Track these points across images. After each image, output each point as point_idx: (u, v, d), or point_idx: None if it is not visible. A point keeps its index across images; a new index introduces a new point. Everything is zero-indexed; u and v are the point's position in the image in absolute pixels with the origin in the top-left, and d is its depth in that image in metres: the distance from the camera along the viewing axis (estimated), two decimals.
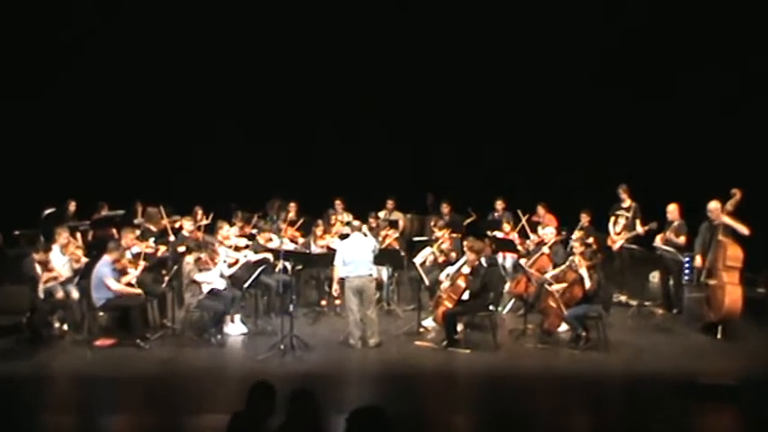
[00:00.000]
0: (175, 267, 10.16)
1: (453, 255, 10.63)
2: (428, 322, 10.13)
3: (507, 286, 11.24)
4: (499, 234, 11.88)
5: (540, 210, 12.63)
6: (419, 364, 8.92)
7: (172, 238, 11.38)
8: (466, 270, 9.43)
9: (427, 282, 10.05)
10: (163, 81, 14.77)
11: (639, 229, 11.31)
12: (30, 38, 14.11)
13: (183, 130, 15.04)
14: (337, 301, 10.92)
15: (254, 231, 11.87)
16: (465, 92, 15.02)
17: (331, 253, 10.79)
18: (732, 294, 9.45)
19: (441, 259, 10.69)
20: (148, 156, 14.72)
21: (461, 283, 9.41)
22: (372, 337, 9.39)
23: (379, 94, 15.00)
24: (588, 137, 14.30)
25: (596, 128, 14.27)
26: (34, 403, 7.71)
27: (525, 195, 12.86)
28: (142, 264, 9.83)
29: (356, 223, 10.09)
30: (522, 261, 10.59)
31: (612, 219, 11.77)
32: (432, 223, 12.03)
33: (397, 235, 12.10)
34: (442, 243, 10.95)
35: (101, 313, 9.59)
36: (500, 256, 11.88)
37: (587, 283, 9.08)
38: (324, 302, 11.22)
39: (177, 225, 11.71)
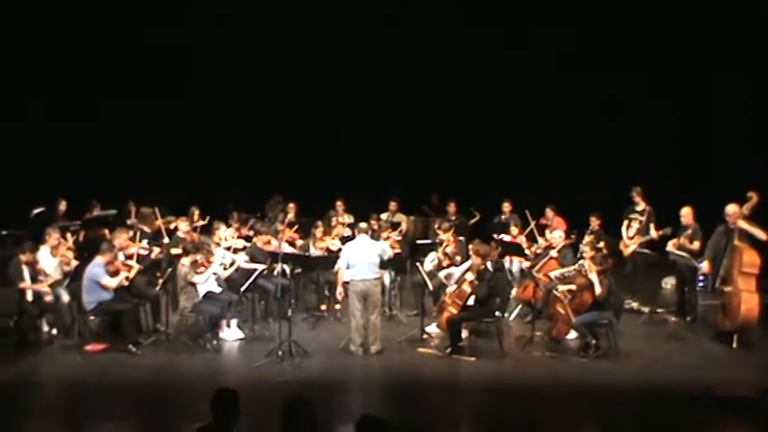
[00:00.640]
0: (169, 270, 10.14)
1: (458, 258, 10.59)
2: (432, 329, 10.09)
3: (514, 291, 11.19)
4: (506, 237, 11.85)
5: (549, 212, 12.59)
6: (422, 373, 8.89)
7: (166, 240, 11.34)
8: (471, 275, 9.38)
9: (431, 286, 10.01)
10: (160, 78, 14.76)
11: (653, 233, 11.24)
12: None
13: (182, 130, 15.03)
14: (337, 306, 10.90)
15: (251, 233, 11.84)
16: (469, 90, 15.00)
17: (331, 256, 10.78)
18: (748, 302, 9.39)
19: (445, 263, 10.64)
20: (143, 154, 14.71)
21: (466, 288, 9.37)
22: (374, 343, 9.35)
23: (378, 93, 14.99)
24: (600, 137, 14.30)
25: (608, 128, 14.30)
26: (21, 411, 7.65)
27: (533, 197, 12.81)
28: (136, 267, 9.81)
29: (363, 225, 10.01)
30: (526, 264, 10.56)
31: (626, 222, 11.71)
32: (436, 226, 12.00)
33: (399, 238, 12.07)
34: (446, 246, 10.91)
35: (91, 317, 9.56)
36: (507, 261, 11.84)
37: (597, 289, 9.03)
38: (324, 307, 11.18)
39: (172, 226, 11.68)
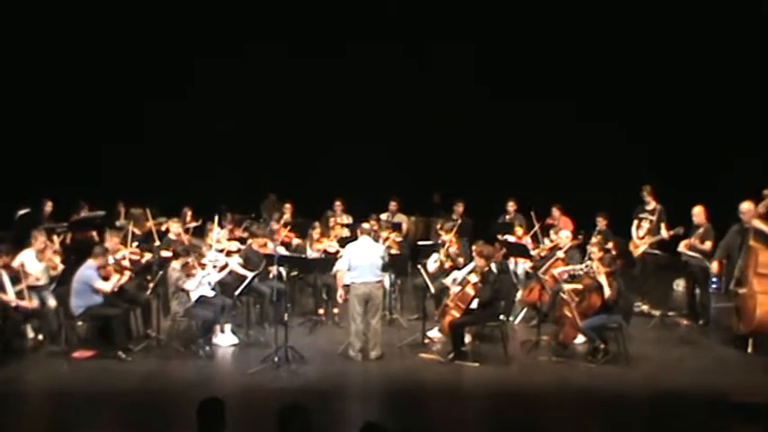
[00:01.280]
0: (160, 273, 10.10)
1: (461, 260, 10.57)
2: (434, 333, 10.08)
3: (519, 294, 11.20)
4: (511, 238, 11.83)
5: (556, 212, 12.58)
6: (424, 379, 8.86)
7: (158, 243, 11.32)
8: (474, 277, 9.36)
9: (433, 289, 9.99)
10: (157, 76, 14.83)
11: (664, 233, 11.24)
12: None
13: (180, 129, 15.05)
14: (335, 310, 10.87)
15: (245, 235, 11.82)
16: (470, 88, 15.05)
17: (330, 258, 10.76)
18: (764, 304, 9.35)
19: (447, 264, 10.62)
20: (135, 154, 14.71)
21: (470, 290, 9.34)
22: (374, 348, 9.32)
23: (378, 93, 15.03)
24: (607, 135, 14.30)
25: (615, 126, 14.31)
26: (3, 422, 7.58)
27: (539, 196, 12.81)
28: (128, 273, 9.79)
29: (365, 225, 9.98)
30: (528, 265, 10.56)
31: (636, 222, 11.70)
32: (438, 226, 11.99)
33: (399, 239, 12.05)
34: (449, 247, 10.90)
35: (79, 322, 9.54)
36: (511, 262, 11.83)
37: (606, 292, 9.00)
38: (321, 311, 11.16)
39: (164, 228, 11.65)
